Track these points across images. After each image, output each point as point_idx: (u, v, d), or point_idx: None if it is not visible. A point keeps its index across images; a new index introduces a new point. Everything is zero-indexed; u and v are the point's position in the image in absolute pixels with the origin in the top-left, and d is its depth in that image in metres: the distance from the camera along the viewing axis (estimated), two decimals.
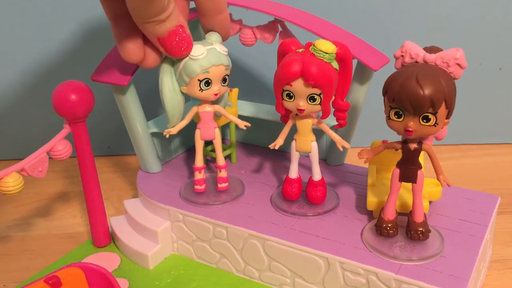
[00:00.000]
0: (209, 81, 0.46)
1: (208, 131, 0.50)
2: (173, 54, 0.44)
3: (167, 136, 0.49)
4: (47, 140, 0.47)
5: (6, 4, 0.69)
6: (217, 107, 0.49)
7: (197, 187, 0.51)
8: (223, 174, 0.52)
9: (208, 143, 0.61)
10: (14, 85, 0.73)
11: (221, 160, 0.51)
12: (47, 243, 0.57)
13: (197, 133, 0.50)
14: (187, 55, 0.44)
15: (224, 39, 0.48)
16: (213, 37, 0.47)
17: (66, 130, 0.48)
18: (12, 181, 0.44)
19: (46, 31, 0.70)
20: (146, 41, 0.44)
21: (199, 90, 0.46)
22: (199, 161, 0.51)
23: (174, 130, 0.49)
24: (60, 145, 0.48)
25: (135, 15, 0.40)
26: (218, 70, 0.45)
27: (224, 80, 0.46)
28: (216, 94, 0.46)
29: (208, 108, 0.49)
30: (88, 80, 0.52)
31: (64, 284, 0.41)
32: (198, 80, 0.45)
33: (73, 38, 0.71)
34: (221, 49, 0.46)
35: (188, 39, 0.44)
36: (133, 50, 0.44)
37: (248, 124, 0.50)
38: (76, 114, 0.48)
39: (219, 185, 0.52)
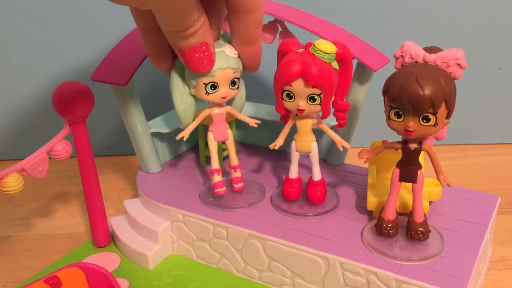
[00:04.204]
0: (215, 84, 0.45)
1: (221, 132, 0.49)
2: (191, 69, 0.43)
3: (180, 138, 0.48)
4: (47, 140, 0.47)
5: (5, 4, 0.69)
6: (229, 108, 0.49)
7: (218, 190, 0.49)
8: (238, 174, 0.51)
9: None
10: (14, 86, 0.73)
11: (235, 160, 0.51)
12: (47, 243, 0.57)
13: (210, 135, 0.49)
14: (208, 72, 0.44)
15: (249, 70, 0.47)
16: (226, 37, 0.46)
17: (66, 130, 0.48)
18: (12, 181, 0.44)
19: (46, 32, 0.70)
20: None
21: (205, 93, 0.45)
22: (215, 163, 0.49)
23: (186, 134, 0.48)
24: (60, 145, 0.48)
25: (160, 24, 0.40)
26: (225, 74, 0.45)
27: (233, 83, 0.46)
28: (224, 97, 0.46)
29: (220, 110, 0.48)
30: (88, 80, 0.52)
31: (64, 284, 0.41)
32: (204, 83, 0.45)
33: (73, 39, 0.71)
34: (230, 51, 0.45)
35: (210, 58, 0.43)
36: (160, 62, 0.45)
37: (259, 122, 0.50)
38: (76, 114, 0.48)
39: (236, 186, 0.51)
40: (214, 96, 0.46)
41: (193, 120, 0.49)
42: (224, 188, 0.50)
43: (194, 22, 0.39)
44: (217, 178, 0.50)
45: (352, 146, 0.52)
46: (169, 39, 0.41)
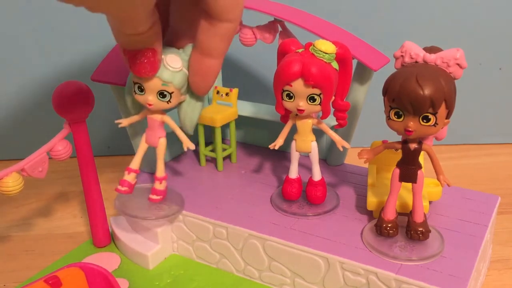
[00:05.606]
0: (142, 87, 0.43)
1: (151, 138, 0.48)
2: (132, 71, 0.41)
3: (119, 126, 0.48)
4: (47, 140, 0.47)
5: (5, 4, 0.69)
6: (165, 118, 0.47)
7: (119, 187, 0.48)
8: (157, 186, 0.49)
9: (208, 143, 0.61)
10: (14, 86, 0.73)
11: (160, 172, 0.49)
12: (47, 243, 0.57)
13: (143, 135, 0.48)
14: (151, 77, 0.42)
15: (196, 90, 0.43)
16: (187, 49, 0.43)
17: (66, 130, 0.48)
18: (12, 181, 0.44)
19: (46, 31, 0.70)
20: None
21: (134, 92, 0.44)
22: (134, 163, 0.48)
23: (124, 122, 0.48)
24: (60, 145, 0.48)
25: (109, 22, 0.37)
26: (151, 82, 0.42)
27: (162, 95, 0.43)
28: (150, 105, 0.44)
29: (155, 116, 0.46)
30: (88, 80, 0.52)
31: (64, 284, 0.41)
32: (133, 82, 0.43)
33: (73, 39, 0.71)
34: (170, 63, 0.42)
35: (153, 65, 0.40)
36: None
37: (192, 147, 0.47)
38: (76, 114, 0.48)
39: (150, 196, 0.49)
40: (141, 99, 0.44)
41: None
42: (126, 189, 0.48)
43: (146, 28, 0.37)
44: (127, 176, 0.48)
45: (352, 146, 0.52)
46: (115, 37, 0.39)
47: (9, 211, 0.63)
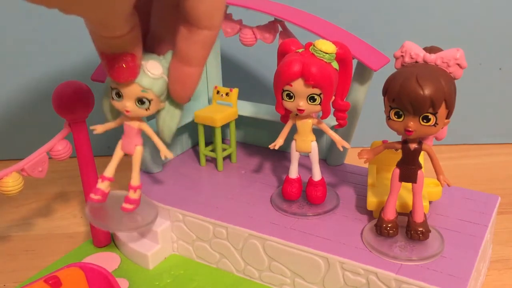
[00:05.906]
0: (120, 93, 0.41)
1: (127, 145, 0.46)
2: (110, 76, 0.39)
3: (94, 132, 0.46)
4: (47, 140, 0.47)
5: (5, 4, 0.69)
6: (143, 125, 0.45)
7: (92, 195, 0.46)
8: (131, 195, 0.47)
9: (208, 143, 0.61)
10: (14, 86, 0.73)
11: (134, 180, 0.47)
12: (47, 243, 0.57)
13: (119, 143, 0.47)
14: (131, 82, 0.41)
15: (176, 97, 0.41)
16: (167, 55, 0.41)
17: (66, 130, 0.48)
18: (12, 181, 0.44)
19: (46, 31, 0.70)
20: None
21: (112, 98, 0.42)
22: (108, 170, 0.47)
23: (99, 129, 0.46)
24: (60, 145, 0.48)
25: (86, 25, 0.36)
26: (130, 88, 0.41)
27: (140, 101, 0.41)
28: (127, 111, 0.42)
29: (132, 123, 0.45)
30: (88, 80, 0.52)
31: (64, 284, 0.41)
32: (111, 87, 0.42)
33: (73, 39, 0.71)
34: (150, 69, 0.40)
35: (132, 70, 0.39)
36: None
37: (170, 156, 0.46)
38: (76, 114, 0.48)
39: (123, 205, 0.47)
40: (118, 105, 0.42)
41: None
42: (100, 197, 0.46)
43: (124, 32, 0.36)
44: (100, 185, 0.47)
45: (352, 146, 0.52)
46: (93, 39, 0.37)
47: (9, 211, 0.63)
